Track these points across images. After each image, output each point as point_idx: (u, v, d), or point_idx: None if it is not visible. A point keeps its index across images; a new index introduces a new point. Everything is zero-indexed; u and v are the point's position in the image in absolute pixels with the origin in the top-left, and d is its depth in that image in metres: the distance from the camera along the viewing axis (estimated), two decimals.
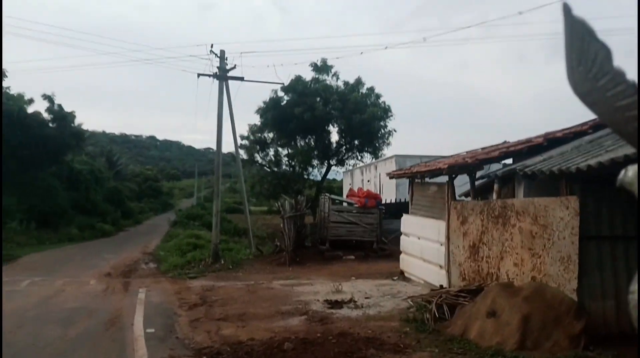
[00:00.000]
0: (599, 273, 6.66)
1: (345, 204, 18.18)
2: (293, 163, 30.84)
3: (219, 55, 17.87)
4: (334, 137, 30.56)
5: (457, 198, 10.01)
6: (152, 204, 59.69)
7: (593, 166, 6.13)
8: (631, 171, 1.44)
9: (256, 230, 24.40)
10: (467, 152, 11.64)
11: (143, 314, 8.48)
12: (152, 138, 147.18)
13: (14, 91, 27.05)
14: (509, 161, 10.01)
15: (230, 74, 18.01)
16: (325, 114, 27.59)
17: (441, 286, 9.15)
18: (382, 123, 29.01)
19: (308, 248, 17.24)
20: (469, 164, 8.66)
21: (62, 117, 28.87)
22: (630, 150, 5.17)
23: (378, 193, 22.32)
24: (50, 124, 28.50)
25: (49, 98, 28.65)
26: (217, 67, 17.87)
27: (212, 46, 17.74)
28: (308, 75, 28.61)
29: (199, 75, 17.94)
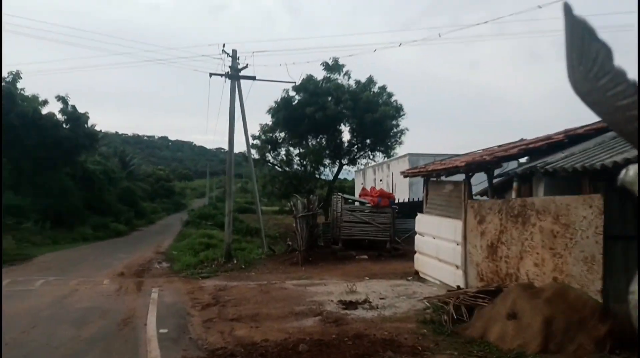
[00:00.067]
0: (624, 273, 6.41)
1: (357, 203, 18.01)
2: (304, 163, 30.79)
3: (231, 54, 17.83)
4: (346, 136, 30.50)
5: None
6: (165, 204, 60.11)
7: (619, 162, 5.91)
8: (632, 170, 1.46)
9: (268, 230, 24.33)
10: (483, 150, 11.41)
11: (156, 314, 8.41)
12: (164, 138, 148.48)
13: (28, 92, 27.34)
14: (522, 160, 9.81)
15: (242, 73, 17.97)
16: (337, 114, 27.49)
17: (458, 287, 8.95)
18: (394, 122, 28.85)
19: (321, 248, 17.10)
20: (487, 162, 8.44)
21: (76, 118, 29.13)
22: None
23: (391, 192, 22.07)
24: (64, 125, 28.76)
25: (62, 99, 28.92)
26: (229, 67, 17.84)
27: (224, 46, 17.76)
28: (319, 74, 28.59)
29: (211, 74, 17.94)
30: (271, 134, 30.34)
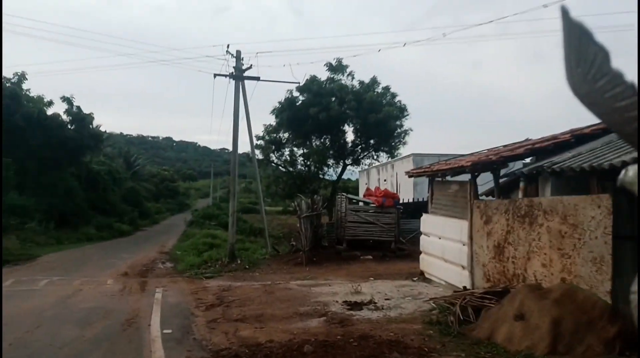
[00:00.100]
0: (634, 274, 6.30)
1: (361, 204, 17.93)
2: (308, 163, 30.73)
3: (235, 55, 17.82)
4: (350, 136, 30.39)
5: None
6: (169, 204, 60.22)
7: (628, 162, 5.82)
8: (631, 171, 1.47)
9: (271, 230, 24.30)
10: (488, 150, 11.32)
11: (160, 314, 8.38)
12: (169, 139, 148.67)
13: (33, 93, 27.42)
14: (527, 160, 9.72)
15: (246, 74, 17.94)
16: (341, 114, 27.42)
17: (464, 287, 8.87)
18: (397, 122, 28.73)
19: (325, 248, 17.04)
20: (493, 162, 8.36)
21: (81, 119, 29.21)
22: None
23: (395, 192, 22.01)
24: (69, 126, 28.85)
25: (67, 100, 29.00)
26: (233, 68, 17.83)
27: (228, 46, 17.72)
28: (323, 75, 28.51)
29: (215, 75, 17.92)
30: (275, 135, 30.30)
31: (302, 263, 15.20)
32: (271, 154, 30.89)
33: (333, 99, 27.41)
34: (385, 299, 9.18)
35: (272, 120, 29.61)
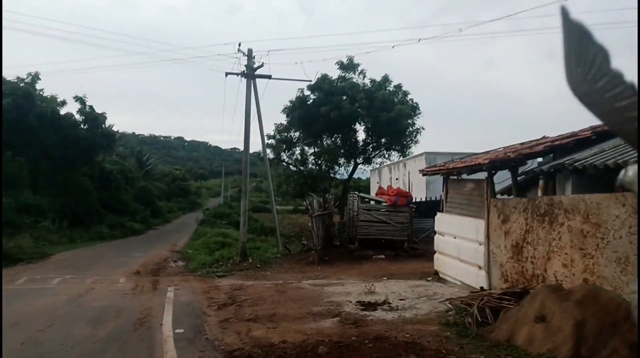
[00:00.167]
0: None
1: (372, 202, 17.73)
2: (319, 162, 30.63)
3: (246, 54, 17.74)
4: (361, 135, 30.24)
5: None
6: (181, 203, 60.50)
7: None
8: (631, 171, 1.47)
9: (282, 229, 24.19)
10: (504, 148, 11.09)
11: (172, 313, 8.31)
12: (180, 138, 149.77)
13: (47, 93, 27.65)
14: (538, 159, 9.50)
15: (257, 72, 17.86)
16: (352, 113, 27.26)
17: (481, 288, 8.67)
18: (409, 121, 28.48)
19: (336, 247, 16.90)
20: (511, 159, 8.14)
21: (94, 119, 29.40)
22: None
23: (408, 191, 21.73)
24: (82, 125, 29.06)
25: (80, 100, 29.22)
26: (245, 66, 17.75)
27: (239, 45, 17.64)
28: (334, 73, 28.37)
29: (227, 74, 17.88)
30: (286, 134, 30.24)
31: (314, 262, 15.08)
32: (282, 153, 30.84)
33: (344, 97, 27.25)
34: (400, 299, 9.00)
35: (283, 119, 29.58)
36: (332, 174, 31.76)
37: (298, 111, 27.94)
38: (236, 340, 6.63)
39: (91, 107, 29.60)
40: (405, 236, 16.59)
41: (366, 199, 18.07)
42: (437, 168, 11.16)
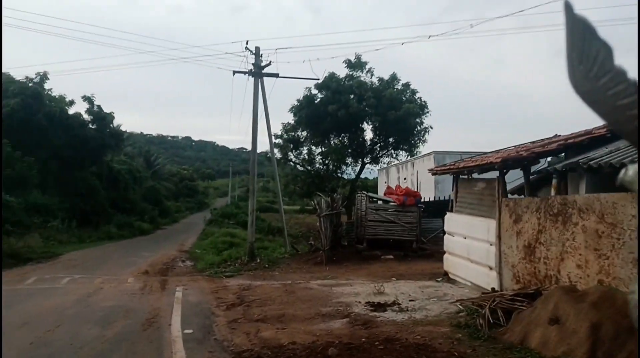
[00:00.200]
0: None
1: (380, 202, 17.61)
2: (327, 162, 30.50)
3: (254, 52, 17.68)
4: (368, 135, 30.05)
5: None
6: (188, 203, 60.71)
7: None
8: (631, 170, 1.46)
9: (289, 229, 24.16)
10: (514, 146, 10.95)
11: (180, 314, 8.27)
12: (188, 138, 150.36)
13: (55, 92, 27.78)
14: (549, 159, 9.35)
15: (265, 70, 17.80)
16: (360, 111, 27.09)
17: (493, 289, 8.54)
18: (418, 120, 28.26)
19: (344, 247, 16.80)
20: (524, 158, 8.01)
21: (102, 118, 29.51)
22: None
23: (416, 190, 21.60)
24: (91, 125, 29.16)
25: (88, 99, 29.33)
26: (252, 64, 17.70)
27: (247, 43, 17.58)
28: (342, 72, 28.21)
29: (234, 72, 17.84)
30: (293, 133, 30.15)
31: (322, 262, 15.01)
32: (289, 153, 30.75)
33: (352, 96, 27.10)
34: (410, 300, 8.90)
35: (290, 118, 29.48)
36: (339, 174, 31.63)
37: (305, 110, 27.82)
38: (245, 340, 6.57)
39: (99, 106, 29.73)
40: (413, 236, 16.47)
41: (374, 199, 17.96)
42: (447, 167, 11.03)
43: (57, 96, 27.67)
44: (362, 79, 28.08)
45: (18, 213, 19.18)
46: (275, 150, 26.84)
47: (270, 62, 17.68)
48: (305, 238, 25.26)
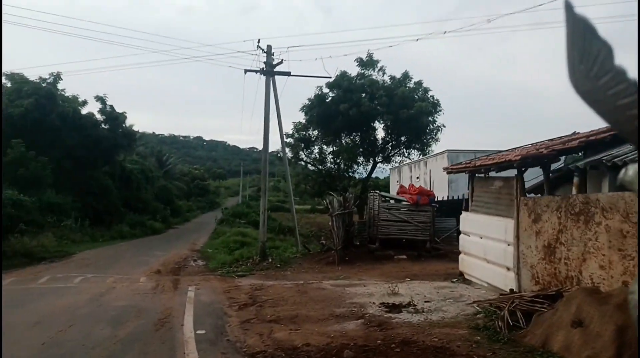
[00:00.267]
0: None
1: (392, 201, 17.40)
2: (338, 161, 30.36)
3: (265, 50, 17.59)
4: (380, 133, 29.87)
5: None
6: (200, 202, 60.99)
7: None
8: (631, 170, 1.46)
9: (300, 228, 24.07)
10: (532, 144, 10.69)
11: (193, 314, 8.19)
12: (199, 138, 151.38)
13: (68, 92, 27.99)
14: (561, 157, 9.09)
15: (277, 69, 17.70)
16: (371, 110, 26.89)
17: (511, 290, 8.32)
18: (430, 118, 27.98)
19: (357, 247, 16.65)
20: (544, 156, 7.78)
21: (114, 118, 29.66)
22: None
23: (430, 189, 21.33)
24: (103, 125, 29.32)
25: (101, 99, 29.49)
26: (264, 63, 17.61)
27: (259, 41, 17.52)
28: (353, 70, 28.05)
29: (246, 71, 17.76)
30: (304, 133, 30.06)
31: (334, 262, 14.87)
32: (300, 152, 30.67)
33: (363, 95, 26.93)
34: (425, 301, 8.71)
35: (301, 118, 29.38)
36: (350, 173, 31.46)
37: (317, 109, 27.70)
38: (258, 342, 6.45)
39: (112, 106, 29.89)
40: (427, 236, 16.25)
41: (387, 199, 17.77)
42: (463, 166, 10.81)
43: (70, 96, 27.89)
44: (373, 77, 27.91)
45: (32, 212, 19.32)
46: (287, 149, 26.77)
47: (282, 60, 17.60)
48: (316, 237, 25.16)
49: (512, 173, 9.08)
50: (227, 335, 6.88)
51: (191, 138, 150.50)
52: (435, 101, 27.93)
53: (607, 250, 6.66)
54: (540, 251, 7.99)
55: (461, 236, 11.34)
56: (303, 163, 31.86)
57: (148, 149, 55.97)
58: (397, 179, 37.11)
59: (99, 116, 29.36)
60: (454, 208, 18.51)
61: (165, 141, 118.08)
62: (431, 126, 28.22)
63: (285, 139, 24.89)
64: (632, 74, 1.25)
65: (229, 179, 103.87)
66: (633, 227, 6.26)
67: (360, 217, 24.44)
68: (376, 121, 28.78)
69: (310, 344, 6.19)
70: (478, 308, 7.87)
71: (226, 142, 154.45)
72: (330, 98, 27.70)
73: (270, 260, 15.92)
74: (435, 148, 29.41)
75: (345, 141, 29.92)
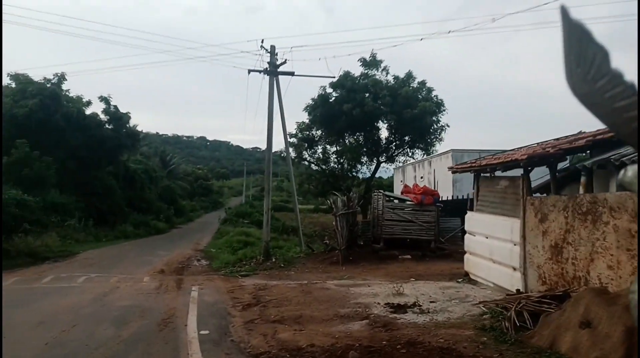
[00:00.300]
0: None
1: (396, 201, 17.33)
2: (341, 161, 30.27)
3: (269, 50, 17.55)
4: (384, 133, 29.74)
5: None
6: (203, 202, 61.04)
7: None
8: (631, 171, 1.48)
9: (303, 228, 24.02)
10: (538, 143, 10.60)
11: (196, 314, 8.15)
12: (203, 138, 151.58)
13: (72, 93, 28.04)
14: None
15: (280, 69, 17.66)
16: (375, 110, 26.80)
17: (518, 290, 8.25)
18: (434, 118, 27.86)
19: (361, 247, 16.58)
20: (550, 155, 7.70)
21: (118, 118, 29.71)
22: None
23: (434, 189, 21.25)
24: (107, 126, 29.37)
25: (105, 100, 29.56)
26: (268, 63, 17.58)
27: (262, 41, 17.48)
28: (357, 70, 27.95)
29: (249, 71, 17.74)
30: (308, 132, 29.98)
31: (338, 262, 14.81)
32: (304, 152, 30.60)
33: (367, 94, 26.83)
34: (430, 302, 8.64)
35: (305, 117, 29.32)
36: (354, 173, 31.37)
37: (320, 109, 27.63)
38: (262, 342, 6.40)
39: (115, 107, 29.95)
40: (432, 236, 16.17)
41: (391, 198, 17.70)
42: (469, 165, 10.73)
43: (74, 97, 27.95)
44: (377, 77, 27.79)
45: (36, 212, 19.35)
46: (290, 149, 26.73)
47: (285, 60, 17.56)
48: (319, 237, 25.08)
49: (517, 172, 9.02)
50: (230, 336, 6.83)
51: (194, 138, 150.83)
52: (439, 101, 27.80)
53: (616, 250, 6.58)
54: (547, 251, 7.91)
55: (466, 236, 11.27)
56: (306, 162, 31.80)
57: (152, 149, 56.13)
58: (401, 178, 37.03)
59: (102, 116, 29.44)
60: (458, 207, 18.43)
61: (169, 141, 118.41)
62: (435, 126, 28.08)
63: (288, 139, 24.86)
64: (630, 76, 1.25)
65: (232, 179, 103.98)
66: None
67: (364, 217, 24.36)
68: (380, 121, 28.67)
69: (315, 345, 6.14)
70: (484, 308, 7.80)
71: (229, 142, 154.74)
72: (333, 98, 27.62)
73: (273, 260, 15.88)
74: (439, 147, 29.31)
75: (348, 140, 29.84)
